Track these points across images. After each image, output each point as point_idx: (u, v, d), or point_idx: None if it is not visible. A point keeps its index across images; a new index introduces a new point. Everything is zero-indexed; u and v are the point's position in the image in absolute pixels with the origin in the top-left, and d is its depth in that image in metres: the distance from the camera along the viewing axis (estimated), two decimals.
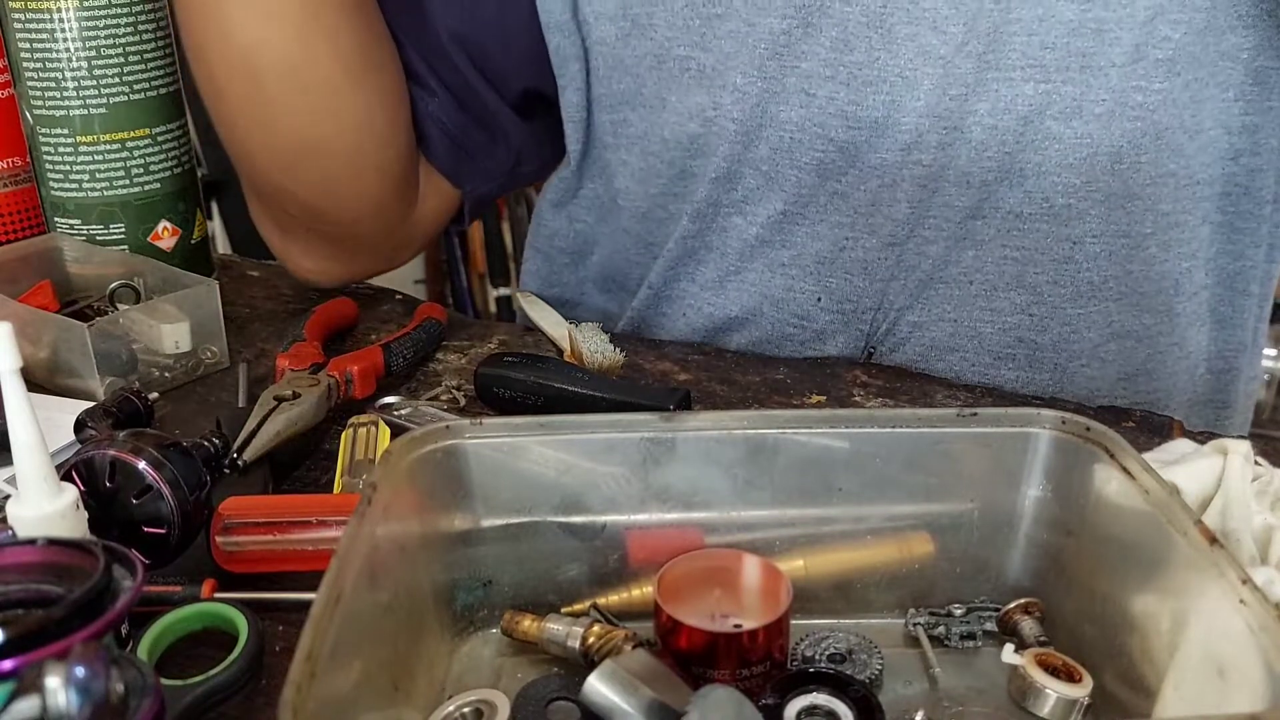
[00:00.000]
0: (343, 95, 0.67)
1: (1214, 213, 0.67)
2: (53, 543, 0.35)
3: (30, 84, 0.70)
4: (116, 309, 0.67)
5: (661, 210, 0.72)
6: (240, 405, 0.63)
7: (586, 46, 0.70)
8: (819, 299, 0.68)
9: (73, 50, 0.69)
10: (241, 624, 0.42)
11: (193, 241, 0.76)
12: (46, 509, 0.40)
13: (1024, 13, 0.60)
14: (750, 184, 0.67)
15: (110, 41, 0.69)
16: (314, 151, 0.68)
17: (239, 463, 0.51)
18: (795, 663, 0.43)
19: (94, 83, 0.69)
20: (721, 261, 0.71)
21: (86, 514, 0.42)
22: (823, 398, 0.64)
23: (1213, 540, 0.37)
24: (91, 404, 0.58)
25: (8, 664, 0.30)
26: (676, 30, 0.66)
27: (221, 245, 2.07)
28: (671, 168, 0.70)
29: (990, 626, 0.45)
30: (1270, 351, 1.51)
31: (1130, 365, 0.68)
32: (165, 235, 0.74)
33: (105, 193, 0.72)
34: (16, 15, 0.69)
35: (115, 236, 0.73)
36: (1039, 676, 0.41)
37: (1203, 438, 0.59)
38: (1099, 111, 0.61)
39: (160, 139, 0.72)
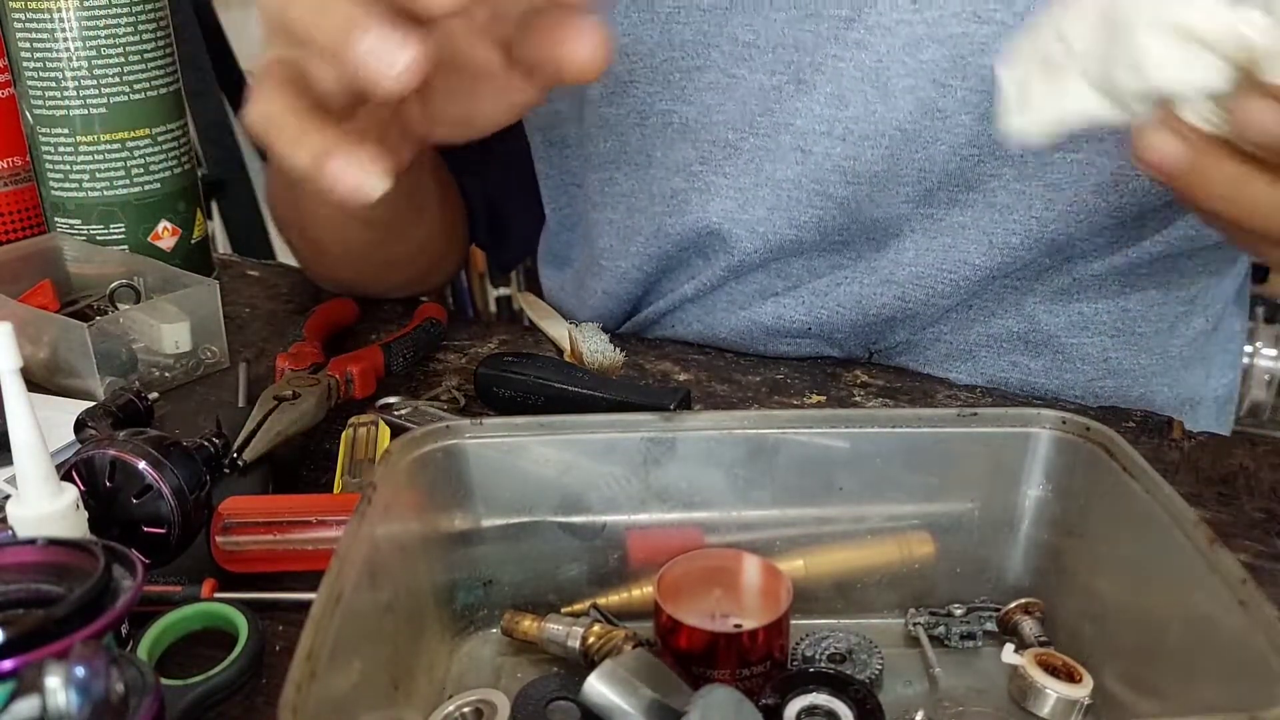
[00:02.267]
0: (424, 218, 0.72)
1: (1213, 262, 0.67)
2: (53, 543, 0.35)
3: (30, 84, 0.70)
4: (116, 309, 0.67)
5: (637, 271, 0.71)
6: (240, 405, 0.63)
7: (579, 105, 0.69)
8: (809, 328, 0.68)
9: (73, 50, 0.69)
10: (241, 624, 0.42)
11: (193, 241, 0.76)
12: (46, 509, 0.40)
13: None
14: (747, 246, 0.65)
15: (110, 41, 0.69)
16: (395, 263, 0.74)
17: (239, 463, 0.51)
18: (795, 663, 0.43)
19: (94, 83, 0.69)
20: (712, 298, 0.70)
21: (86, 514, 0.42)
22: (823, 398, 0.64)
23: (1212, 540, 0.37)
24: (91, 404, 0.58)
25: (8, 664, 0.30)
26: (657, 85, 0.65)
27: (221, 245, 2.07)
28: (651, 223, 0.68)
29: (990, 626, 0.45)
30: (1270, 352, 1.51)
31: (1125, 402, 0.68)
32: (165, 235, 0.74)
33: (105, 193, 0.72)
34: (16, 15, 0.69)
35: (115, 236, 0.73)
36: (1039, 676, 0.41)
37: (1203, 437, 0.59)
38: (1134, 187, 0.60)
39: (160, 139, 0.72)
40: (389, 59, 0.39)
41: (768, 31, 0.61)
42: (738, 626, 0.41)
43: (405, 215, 0.68)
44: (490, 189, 0.78)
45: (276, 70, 0.45)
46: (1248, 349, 1.48)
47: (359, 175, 0.41)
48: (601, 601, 0.46)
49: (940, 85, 0.59)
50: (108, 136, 0.71)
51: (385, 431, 0.56)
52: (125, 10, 0.69)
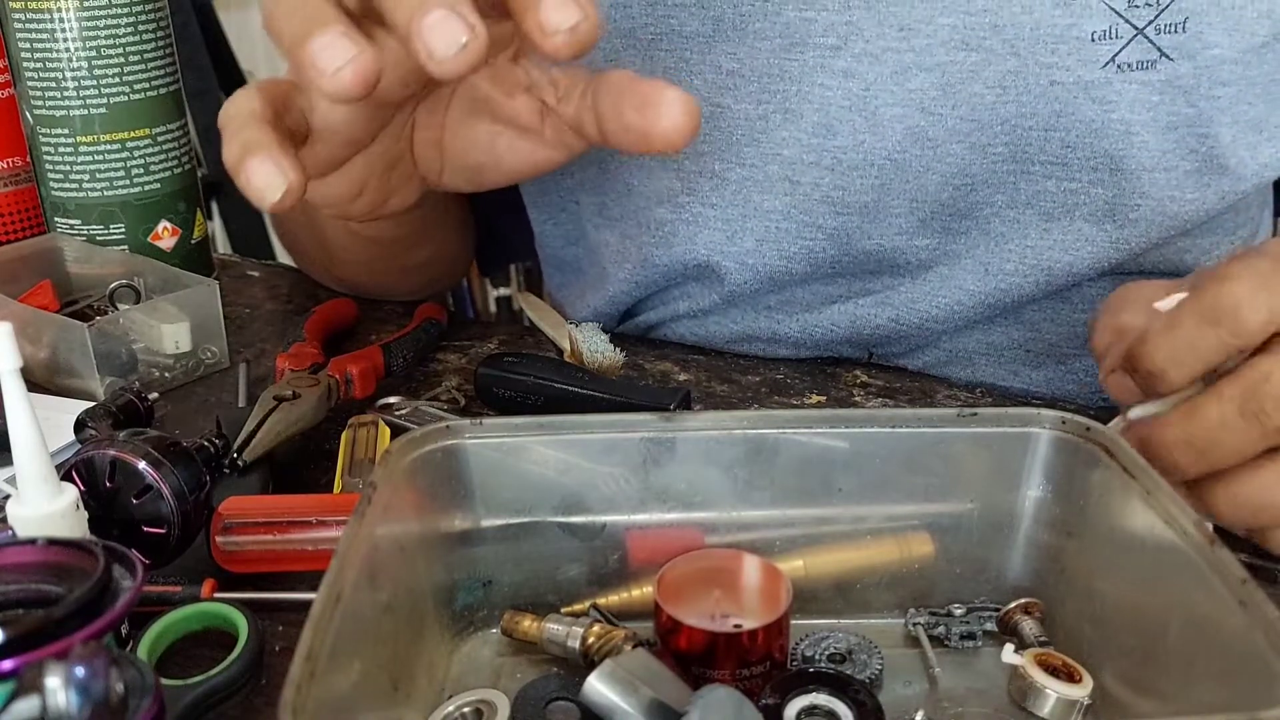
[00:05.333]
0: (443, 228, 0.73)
1: None
2: (53, 543, 0.35)
3: (30, 84, 0.70)
4: (116, 309, 0.67)
5: (626, 296, 0.71)
6: (240, 405, 0.63)
7: None
8: (804, 342, 0.67)
9: (73, 50, 0.69)
10: (241, 624, 0.42)
11: (193, 241, 0.76)
12: (46, 509, 0.40)
13: (1038, 107, 0.58)
14: (737, 278, 0.65)
15: (110, 41, 0.69)
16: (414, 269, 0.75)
17: (239, 463, 0.51)
18: (795, 663, 0.43)
19: (94, 83, 0.69)
20: (707, 317, 0.70)
21: (86, 514, 0.42)
22: (823, 398, 0.64)
23: (1212, 540, 0.37)
24: (91, 404, 0.58)
25: (8, 664, 0.30)
26: None
27: (221, 245, 2.07)
28: (639, 251, 0.68)
29: (990, 626, 0.45)
30: None
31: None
32: (165, 235, 0.74)
33: (105, 193, 0.72)
34: (16, 15, 0.69)
35: (115, 236, 0.73)
36: (1039, 676, 0.41)
37: None
38: (1134, 216, 0.60)
39: (160, 139, 0.73)
40: (332, 59, 0.39)
41: (752, 60, 0.61)
42: (738, 626, 0.41)
43: (414, 234, 0.68)
44: (480, 195, 0.78)
45: (269, 83, 0.45)
46: None
47: (266, 177, 0.41)
48: (601, 601, 0.46)
49: (929, 114, 0.59)
50: (108, 136, 0.71)
51: (385, 431, 0.56)
52: (125, 10, 0.69)
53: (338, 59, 0.39)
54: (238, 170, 0.41)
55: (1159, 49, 0.56)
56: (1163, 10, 0.56)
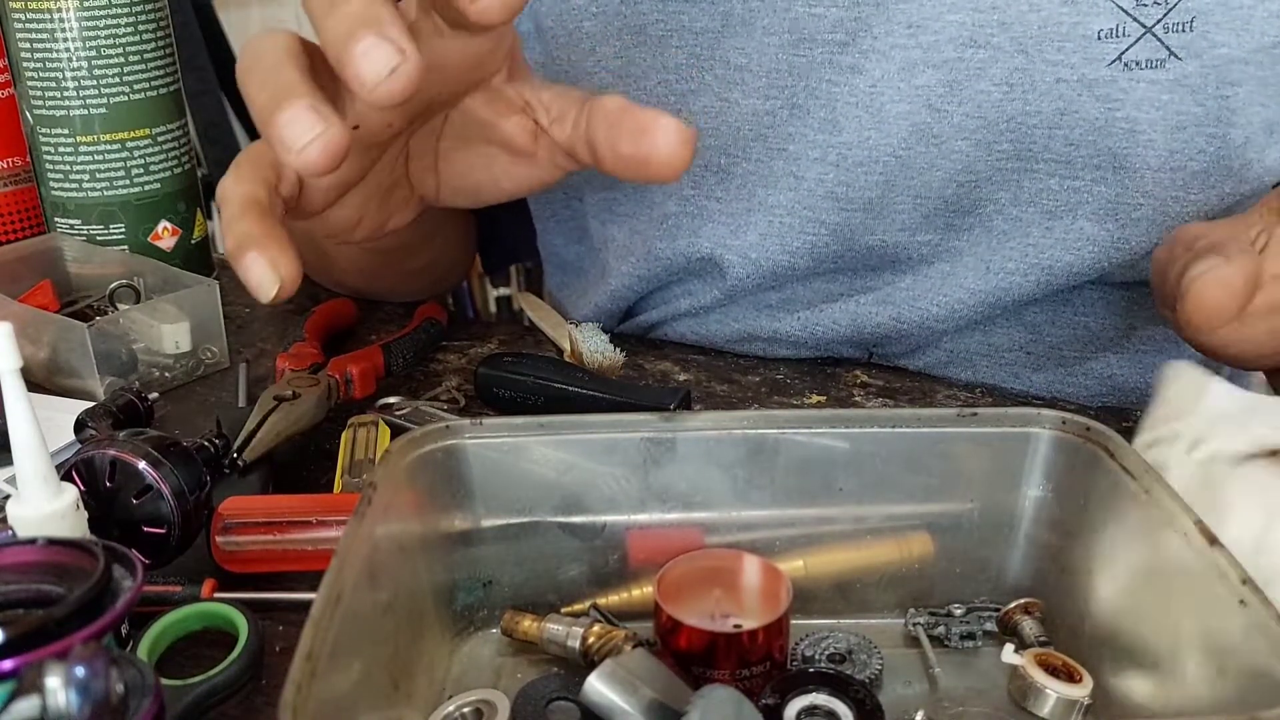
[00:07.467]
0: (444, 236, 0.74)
1: None
2: (53, 543, 0.35)
3: (30, 84, 0.70)
4: (116, 309, 0.67)
5: (628, 290, 0.71)
6: (240, 405, 0.63)
7: None
8: (805, 341, 0.68)
9: (73, 50, 0.69)
10: (241, 624, 0.42)
11: (193, 241, 0.76)
12: (46, 509, 0.40)
13: (1043, 104, 0.58)
14: (740, 272, 0.65)
15: (110, 41, 0.69)
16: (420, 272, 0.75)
17: (239, 463, 0.51)
18: (795, 663, 0.43)
19: (94, 83, 0.69)
20: (708, 315, 0.70)
21: (86, 514, 0.42)
22: (823, 398, 0.64)
23: (1212, 540, 0.37)
24: (91, 404, 0.58)
25: (8, 664, 0.30)
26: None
27: (221, 245, 2.07)
28: (644, 244, 0.68)
29: (990, 626, 0.45)
30: None
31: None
32: (165, 235, 0.74)
33: (105, 193, 0.72)
34: (16, 15, 0.69)
35: (115, 236, 0.73)
36: (1039, 676, 0.41)
37: None
38: (1136, 216, 0.60)
39: (160, 139, 0.73)
40: (297, 136, 0.39)
41: (760, 56, 0.61)
42: (738, 626, 0.41)
43: (415, 242, 0.68)
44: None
45: (255, 150, 0.46)
46: None
47: (260, 275, 0.42)
48: (601, 601, 0.46)
49: (935, 110, 0.59)
50: (108, 136, 0.71)
51: (385, 431, 0.56)
52: (125, 10, 0.69)
53: (303, 135, 0.39)
54: (235, 263, 0.43)
55: (1168, 48, 0.56)
56: (1170, 9, 0.56)
